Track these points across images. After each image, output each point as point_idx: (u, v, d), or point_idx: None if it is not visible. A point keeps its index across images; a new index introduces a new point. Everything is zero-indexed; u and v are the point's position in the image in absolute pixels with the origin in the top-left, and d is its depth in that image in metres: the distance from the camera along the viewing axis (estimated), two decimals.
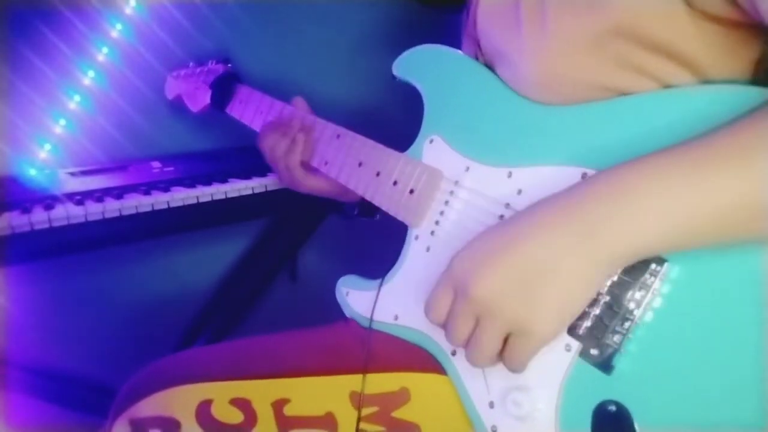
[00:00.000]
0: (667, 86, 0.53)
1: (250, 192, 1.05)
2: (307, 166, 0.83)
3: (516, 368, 0.51)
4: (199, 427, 0.62)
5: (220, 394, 0.64)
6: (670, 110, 0.52)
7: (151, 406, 0.64)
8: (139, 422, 0.64)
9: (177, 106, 1.20)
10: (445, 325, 0.54)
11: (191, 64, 1.14)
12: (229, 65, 1.07)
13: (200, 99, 1.07)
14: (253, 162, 1.14)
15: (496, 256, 0.50)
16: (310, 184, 0.84)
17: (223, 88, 1.01)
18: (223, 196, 1.01)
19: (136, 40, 1.16)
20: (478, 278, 0.50)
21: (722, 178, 0.44)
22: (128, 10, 1.15)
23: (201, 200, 0.99)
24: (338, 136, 0.78)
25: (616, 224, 0.46)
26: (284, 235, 1.37)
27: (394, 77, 0.73)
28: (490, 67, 0.66)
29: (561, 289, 0.48)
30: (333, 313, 0.76)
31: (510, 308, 0.49)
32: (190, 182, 1.03)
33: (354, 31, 1.38)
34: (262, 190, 1.06)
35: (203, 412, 0.63)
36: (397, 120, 0.94)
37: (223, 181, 1.05)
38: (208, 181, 1.04)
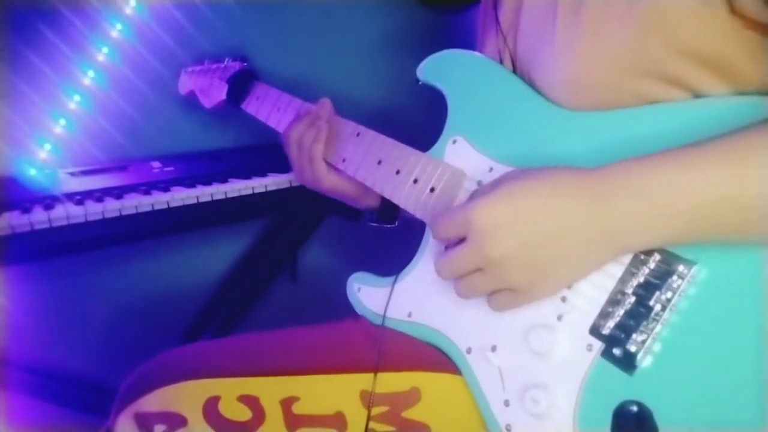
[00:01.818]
0: (699, 95, 0.53)
1: (250, 192, 1.04)
2: (328, 162, 0.82)
3: (498, 311, 0.56)
4: (207, 424, 0.62)
5: (228, 391, 0.63)
6: (701, 120, 0.51)
7: (156, 400, 0.63)
8: (144, 417, 0.63)
9: (177, 106, 1.20)
10: (446, 256, 0.55)
11: (206, 61, 1.13)
12: (246, 63, 1.07)
13: (215, 95, 1.06)
14: (253, 162, 1.14)
15: (519, 222, 0.50)
16: (332, 181, 0.82)
17: (240, 84, 1.01)
18: (223, 196, 1.00)
19: (136, 40, 1.15)
20: (497, 240, 0.50)
21: (719, 175, 0.45)
22: (128, 10, 1.14)
23: (201, 200, 0.98)
24: (358, 134, 0.78)
25: (632, 220, 0.48)
26: (284, 235, 1.36)
27: (417, 81, 0.72)
28: (524, 69, 0.66)
29: (570, 268, 0.52)
30: (333, 313, 0.76)
31: (519, 275, 0.52)
32: (190, 182, 1.02)
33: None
34: (262, 190, 1.06)
35: (211, 408, 0.62)
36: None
37: (223, 181, 1.04)
38: (208, 181, 1.03)
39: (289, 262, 1.41)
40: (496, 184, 0.54)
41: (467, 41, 0.75)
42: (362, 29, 1.38)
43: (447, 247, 0.58)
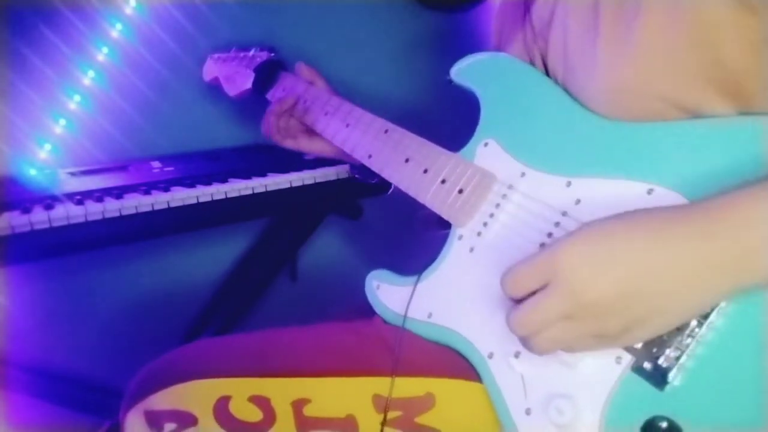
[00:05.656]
0: (744, 112, 0.51)
1: (250, 192, 1.03)
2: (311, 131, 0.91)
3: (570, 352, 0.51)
4: (217, 424, 0.61)
5: (240, 391, 0.62)
6: (748, 137, 0.49)
7: (167, 398, 0.62)
8: (154, 415, 0.62)
9: (177, 106, 1.20)
10: (523, 308, 0.48)
11: (233, 48, 1.11)
12: (273, 53, 1.05)
13: (240, 83, 1.05)
14: (253, 162, 1.13)
15: (619, 260, 0.45)
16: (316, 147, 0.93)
17: (267, 74, 1.00)
18: (223, 196, 0.99)
19: (136, 40, 1.14)
20: (595, 283, 0.45)
21: None
22: (128, 10, 1.12)
23: (201, 200, 0.97)
24: (386, 131, 0.77)
25: (747, 255, 0.43)
26: (284, 235, 1.35)
27: (449, 81, 0.71)
28: (557, 72, 0.64)
29: (665, 320, 0.46)
30: (333, 313, 0.76)
31: (611, 324, 0.46)
32: (190, 182, 1.00)
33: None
34: (262, 190, 1.04)
35: (221, 408, 0.61)
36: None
37: (223, 181, 1.02)
38: (208, 181, 1.01)
39: (289, 262, 1.41)
40: (580, 227, 0.48)
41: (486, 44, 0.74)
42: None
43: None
